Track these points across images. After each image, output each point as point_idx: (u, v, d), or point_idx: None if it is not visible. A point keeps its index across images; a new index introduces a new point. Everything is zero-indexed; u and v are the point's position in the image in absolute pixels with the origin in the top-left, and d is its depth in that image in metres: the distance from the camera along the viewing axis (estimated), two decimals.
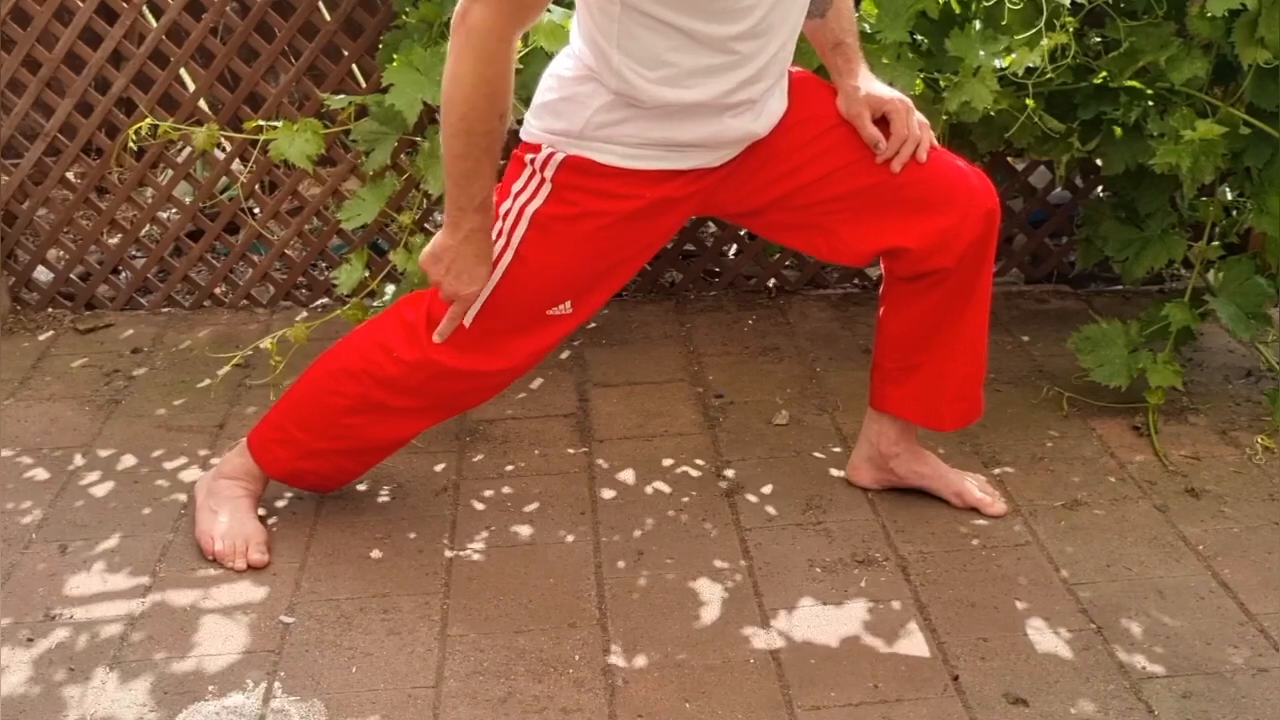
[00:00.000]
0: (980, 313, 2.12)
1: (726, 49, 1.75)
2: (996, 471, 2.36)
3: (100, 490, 2.33)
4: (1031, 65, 2.30)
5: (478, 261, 1.88)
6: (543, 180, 1.88)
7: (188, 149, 2.97)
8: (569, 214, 1.87)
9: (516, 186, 1.90)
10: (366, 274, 2.69)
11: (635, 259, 2.02)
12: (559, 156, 1.86)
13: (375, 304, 2.74)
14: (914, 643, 1.90)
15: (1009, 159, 3.07)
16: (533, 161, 1.88)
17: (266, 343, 2.59)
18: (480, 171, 1.80)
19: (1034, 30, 2.29)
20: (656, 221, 1.94)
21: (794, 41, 1.86)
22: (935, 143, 2.02)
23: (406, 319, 2.01)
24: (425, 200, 2.70)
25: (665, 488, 2.33)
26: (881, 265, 2.13)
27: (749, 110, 1.86)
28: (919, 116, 1.98)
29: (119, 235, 3.08)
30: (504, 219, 1.91)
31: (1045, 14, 2.28)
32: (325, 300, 3.13)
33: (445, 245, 1.87)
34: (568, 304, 1.95)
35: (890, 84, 2.32)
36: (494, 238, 1.91)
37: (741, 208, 2.03)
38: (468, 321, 1.95)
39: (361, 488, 2.31)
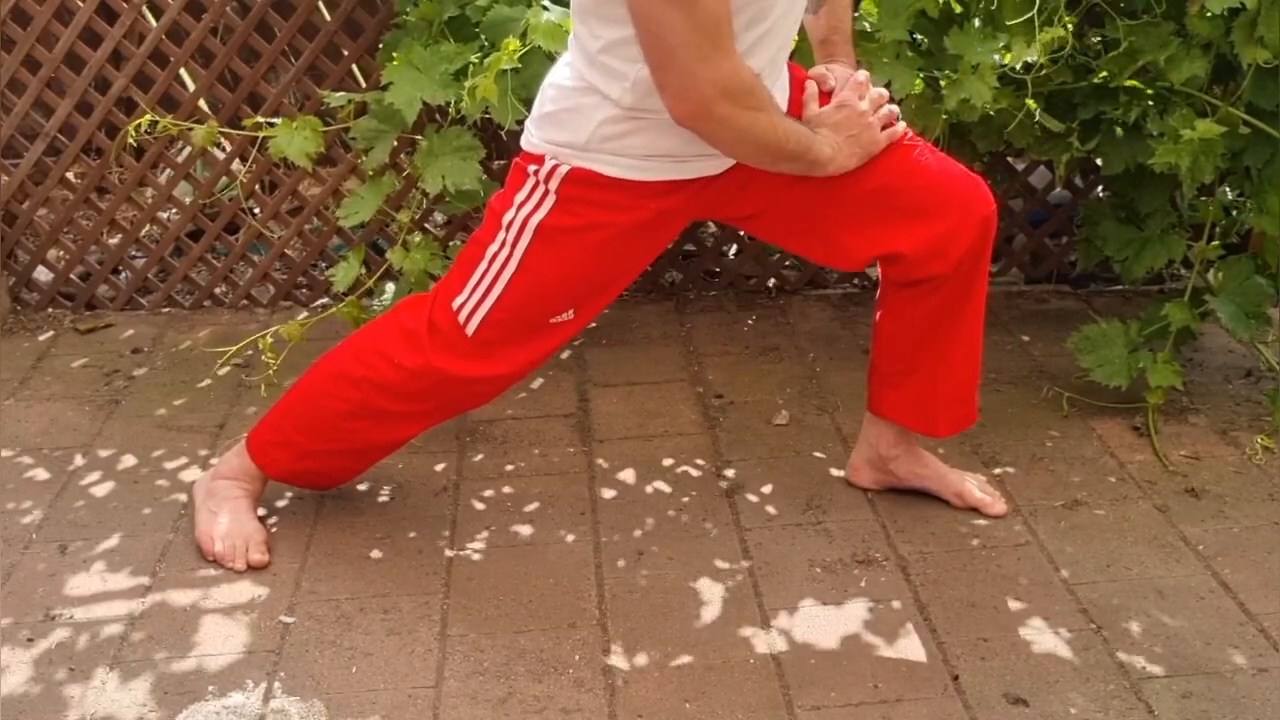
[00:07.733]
0: (976, 319, 2.11)
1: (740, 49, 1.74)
2: (996, 471, 2.36)
3: (100, 490, 2.33)
4: (1030, 60, 2.29)
5: (858, 141, 1.90)
6: (546, 192, 1.87)
7: (188, 149, 2.97)
8: (574, 225, 1.87)
9: (520, 197, 1.89)
10: (363, 271, 2.69)
11: (637, 265, 2.02)
12: (563, 169, 1.84)
13: (374, 303, 2.74)
14: (914, 643, 1.90)
15: (1009, 159, 3.07)
16: (536, 173, 1.87)
17: (266, 339, 2.58)
18: (780, 129, 1.80)
19: (1027, 16, 2.27)
20: (660, 230, 1.95)
21: (792, 41, 1.87)
22: (930, 146, 2.02)
23: (407, 325, 2.00)
24: (424, 199, 2.70)
25: (665, 488, 2.33)
26: (878, 270, 2.13)
27: None
28: (873, 94, 1.95)
29: (119, 235, 3.08)
30: (507, 229, 1.90)
31: (1040, 5, 2.27)
32: (325, 300, 3.13)
33: (836, 147, 1.88)
34: (570, 311, 1.95)
35: (889, 83, 2.32)
36: (497, 248, 1.91)
37: (740, 212, 2.02)
38: (470, 330, 1.95)
39: (361, 488, 2.31)
